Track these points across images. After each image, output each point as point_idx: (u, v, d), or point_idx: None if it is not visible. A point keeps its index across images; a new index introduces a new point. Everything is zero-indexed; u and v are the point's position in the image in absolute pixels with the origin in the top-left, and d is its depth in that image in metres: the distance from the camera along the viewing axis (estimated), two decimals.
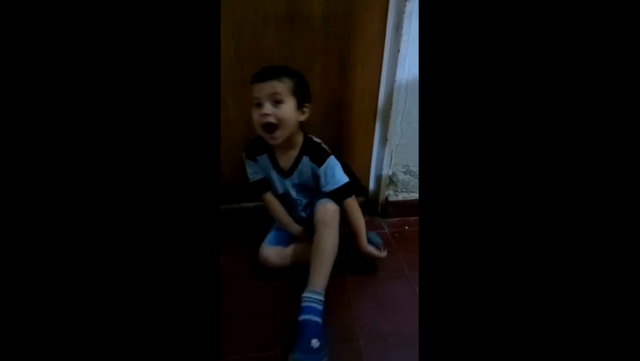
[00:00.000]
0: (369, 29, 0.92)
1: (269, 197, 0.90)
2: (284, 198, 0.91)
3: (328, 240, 0.77)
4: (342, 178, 0.82)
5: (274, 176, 0.88)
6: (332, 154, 0.84)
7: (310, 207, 0.89)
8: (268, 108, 0.73)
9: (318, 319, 0.70)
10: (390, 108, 0.98)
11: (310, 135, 0.86)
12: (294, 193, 0.89)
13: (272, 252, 0.88)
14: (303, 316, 0.70)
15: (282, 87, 0.73)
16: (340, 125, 1.06)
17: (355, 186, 0.86)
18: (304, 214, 0.93)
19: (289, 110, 0.75)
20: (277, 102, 0.74)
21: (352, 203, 0.84)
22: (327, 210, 0.80)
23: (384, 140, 1.04)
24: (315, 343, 0.66)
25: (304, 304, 0.71)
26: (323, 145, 0.85)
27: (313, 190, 0.88)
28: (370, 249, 0.86)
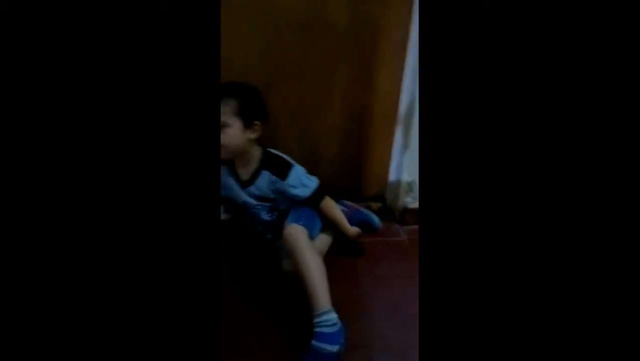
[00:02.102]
0: (393, 34, 0.92)
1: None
2: (244, 207, 0.91)
3: (302, 264, 0.75)
4: (310, 183, 0.83)
5: (233, 185, 0.88)
6: (293, 163, 0.84)
7: (275, 210, 0.89)
8: None
9: (329, 347, 0.68)
10: (412, 115, 0.97)
11: (269, 149, 0.86)
12: (254, 202, 0.89)
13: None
14: (315, 344, 0.68)
15: (226, 110, 0.75)
16: (360, 131, 1.06)
17: (324, 186, 0.87)
18: (268, 218, 0.91)
19: (232, 134, 0.76)
20: (221, 127, 0.75)
21: (327, 203, 0.87)
22: (288, 237, 0.78)
23: (405, 146, 1.03)
24: None
25: (316, 329, 0.70)
26: (283, 157, 0.85)
27: (274, 199, 0.88)
28: (354, 231, 0.92)
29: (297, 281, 0.81)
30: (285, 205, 0.87)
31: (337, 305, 0.73)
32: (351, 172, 1.14)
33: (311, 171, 0.93)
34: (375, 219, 1.01)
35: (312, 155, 1.08)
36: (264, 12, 0.88)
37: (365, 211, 1.02)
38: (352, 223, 0.95)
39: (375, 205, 1.19)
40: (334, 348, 0.68)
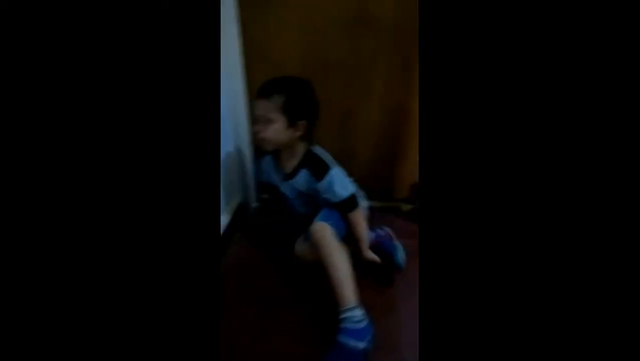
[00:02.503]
0: None
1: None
2: (283, 196, 0.95)
3: (328, 258, 0.76)
4: (342, 192, 0.82)
5: (276, 175, 0.92)
6: (333, 166, 0.82)
7: (311, 205, 0.91)
8: (256, 127, 0.79)
9: (354, 343, 0.67)
10: None
11: (312, 147, 0.86)
12: (294, 195, 0.92)
13: (306, 247, 0.88)
14: (341, 339, 0.68)
15: (271, 107, 0.76)
16: (397, 130, 1.05)
17: (357, 199, 0.84)
18: (303, 210, 0.95)
19: (274, 130, 0.78)
20: (266, 122, 0.77)
21: (353, 217, 0.84)
22: (314, 233, 0.79)
23: None
24: None
25: (341, 325, 0.70)
26: (324, 158, 0.84)
27: (311, 196, 0.89)
28: (371, 256, 0.86)
29: (309, 273, 0.82)
30: (321, 203, 0.88)
31: (367, 307, 0.72)
32: (385, 171, 1.13)
33: (345, 168, 0.93)
34: (400, 257, 0.90)
35: (348, 153, 1.07)
36: (307, 5, 0.88)
37: (397, 245, 0.92)
38: (376, 249, 0.89)
39: (406, 206, 1.17)
40: (361, 345, 0.67)
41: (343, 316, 0.70)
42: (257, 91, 0.78)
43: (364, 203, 0.95)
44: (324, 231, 0.78)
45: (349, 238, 0.86)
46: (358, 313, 0.71)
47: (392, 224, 1.12)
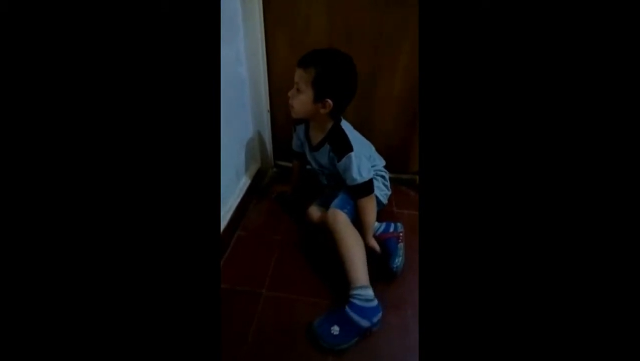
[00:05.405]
0: None
1: (295, 165, 1.08)
2: (311, 165, 1.00)
3: (341, 240, 0.78)
4: (356, 177, 0.82)
5: (305, 147, 0.95)
6: (355, 148, 0.82)
7: (332, 179, 0.94)
8: (290, 92, 0.82)
9: (358, 319, 0.67)
10: None
11: (340, 125, 0.86)
12: (316, 166, 0.96)
13: (316, 212, 0.91)
14: (346, 309, 0.69)
15: (304, 77, 0.78)
16: (417, 103, 1.04)
17: (370, 186, 0.84)
18: (325, 182, 1.00)
19: (300, 101, 0.80)
20: (297, 90, 0.80)
21: (363, 203, 0.84)
22: (328, 219, 0.82)
23: None
24: (335, 329, 0.67)
25: (350, 299, 0.71)
26: (348, 138, 0.83)
27: (332, 170, 0.91)
28: (372, 244, 0.85)
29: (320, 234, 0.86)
30: (342, 180, 0.89)
31: (374, 273, 0.76)
32: (402, 144, 1.14)
33: (364, 137, 0.94)
34: (396, 265, 0.83)
35: (367, 122, 1.08)
36: None
37: (399, 250, 0.86)
38: (380, 242, 0.87)
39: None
40: (364, 323, 0.67)
41: (353, 292, 0.71)
42: (299, 59, 0.79)
43: (386, 183, 0.97)
44: (337, 216, 0.81)
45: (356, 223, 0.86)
46: (368, 292, 0.71)
47: (407, 195, 1.15)
